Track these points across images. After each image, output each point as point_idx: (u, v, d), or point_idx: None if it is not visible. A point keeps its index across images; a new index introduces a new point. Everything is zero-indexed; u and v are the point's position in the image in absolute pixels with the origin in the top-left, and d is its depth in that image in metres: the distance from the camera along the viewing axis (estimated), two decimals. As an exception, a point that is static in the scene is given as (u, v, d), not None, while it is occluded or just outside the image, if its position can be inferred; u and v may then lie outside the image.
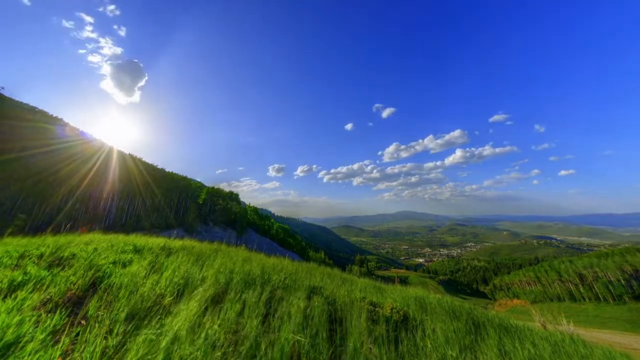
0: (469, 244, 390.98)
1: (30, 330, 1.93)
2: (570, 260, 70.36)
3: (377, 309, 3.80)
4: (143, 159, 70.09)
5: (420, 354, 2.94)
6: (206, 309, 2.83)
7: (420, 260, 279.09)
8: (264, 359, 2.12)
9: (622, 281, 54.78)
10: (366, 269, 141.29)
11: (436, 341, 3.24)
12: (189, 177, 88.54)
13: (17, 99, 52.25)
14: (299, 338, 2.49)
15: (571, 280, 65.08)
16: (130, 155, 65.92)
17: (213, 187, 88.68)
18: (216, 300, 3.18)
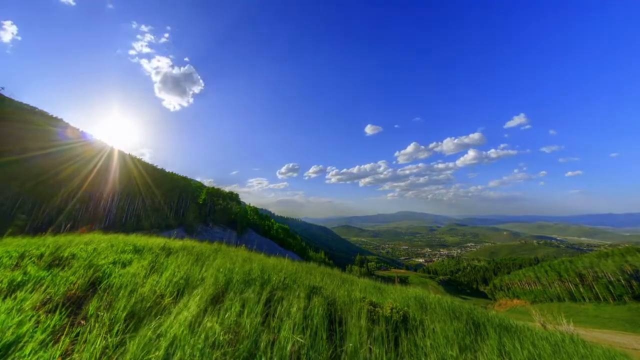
0: (469, 244, 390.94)
1: (30, 331, 1.93)
2: (570, 260, 70.32)
3: (377, 309, 3.80)
4: (143, 159, 70.14)
5: (420, 354, 2.94)
6: (206, 309, 2.83)
7: (420, 260, 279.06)
8: (263, 359, 2.12)
9: (622, 281, 54.74)
10: (366, 269, 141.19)
11: (436, 341, 3.23)
12: (188, 177, 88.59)
13: (17, 99, 52.30)
14: (299, 338, 2.49)
15: (571, 280, 65.05)
16: (130, 156, 65.95)
17: (213, 187, 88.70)
18: (216, 300, 3.18)
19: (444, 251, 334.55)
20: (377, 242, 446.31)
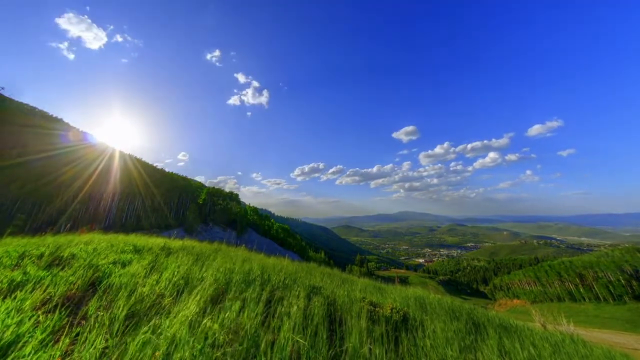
0: (469, 244, 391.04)
1: (30, 330, 1.93)
2: (570, 260, 70.32)
3: (377, 309, 3.79)
4: (143, 159, 70.11)
5: (420, 354, 2.93)
6: (206, 309, 2.83)
7: (420, 260, 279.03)
8: (264, 359, 2.12)
9: (622, 281, 54.72)
10: (366, 269, 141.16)
11: (436, 341, 3.23)
12: (188, 177, 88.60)
13: (16, 99, 52.27)
14: (299, 338, 2.49)
15: (571, 280, 65.05)
16: (130, 156, 65.93)
17: (213, 187, 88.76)
18: (216, 300, 3.18)
19: (444, 251, 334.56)
20: (377, 242, 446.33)
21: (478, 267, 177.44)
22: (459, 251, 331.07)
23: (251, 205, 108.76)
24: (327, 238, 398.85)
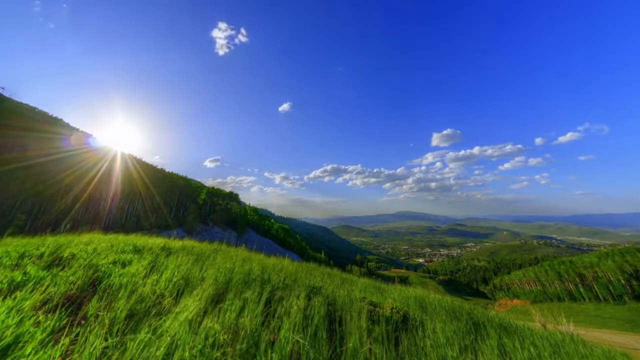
0: (469, 244, 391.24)
1: (30, 331, 1.93)
2: (570, 260, 70.28)
3: (377, 309, 3.79)
4: (143, 160, 70.08)
5: (420, 354, 2.93)
6: (206, 309, 2.83)
7: (420, 260, 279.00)
8: (263, 359, 2.12)
9: (622, 281, 54.72)
10: (366, 269, 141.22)
11: (436, 341, 3.23)
12: (188, 177, 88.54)
13: (16, 99, 52.27)
14: (299, 338, 2.49)
15: (571, 280, 65.06)
16: (131, 157, 65.90)
17: (213, 187, 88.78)
18: (216, 300, 3.18)
19: (444, 251, 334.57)
20: (377, 242, 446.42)
21: (478, 267, 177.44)
22: (459, 251, 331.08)
23: (251, 205, 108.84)
24: (327, 238, 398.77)
